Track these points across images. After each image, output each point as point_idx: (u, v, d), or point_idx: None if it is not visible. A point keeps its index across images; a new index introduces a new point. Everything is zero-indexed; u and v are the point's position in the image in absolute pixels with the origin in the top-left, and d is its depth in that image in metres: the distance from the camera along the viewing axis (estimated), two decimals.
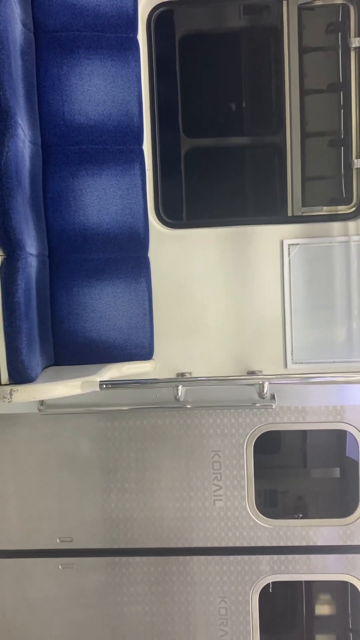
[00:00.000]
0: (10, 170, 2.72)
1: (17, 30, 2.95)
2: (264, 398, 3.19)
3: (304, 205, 3.50)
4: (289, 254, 3.38)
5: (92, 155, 3.24)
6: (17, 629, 3.62)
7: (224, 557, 3.50)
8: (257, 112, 3.84)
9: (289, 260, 3.38)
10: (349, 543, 3.46)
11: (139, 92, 3.28)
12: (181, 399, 3.18)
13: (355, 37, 3.36)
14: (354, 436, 3.45)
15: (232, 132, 3.86)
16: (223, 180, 3.78)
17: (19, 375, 2.82)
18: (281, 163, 3.60)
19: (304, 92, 3.51)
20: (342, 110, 3.51)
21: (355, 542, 3.45)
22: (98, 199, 3.25)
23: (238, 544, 3.49)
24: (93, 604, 3.58)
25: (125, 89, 3.25)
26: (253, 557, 3.49)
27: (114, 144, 3.26)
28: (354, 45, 3.36)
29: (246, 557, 3.50)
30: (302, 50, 3.50)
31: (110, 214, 3.26)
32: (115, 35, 3.21)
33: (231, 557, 3.50)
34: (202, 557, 3.51)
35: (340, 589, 3.73)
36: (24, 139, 2.94)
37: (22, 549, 3.56)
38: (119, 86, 3.24)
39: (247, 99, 3.82)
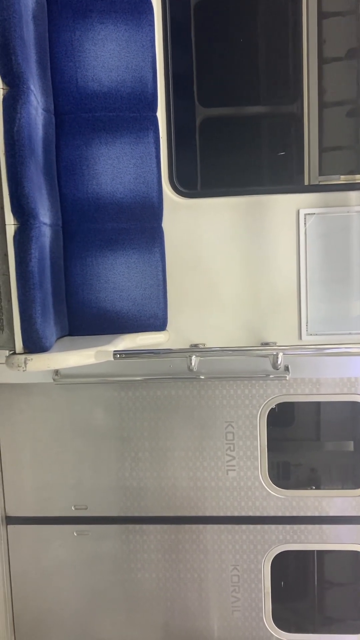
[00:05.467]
0: (23, 137, 2.68)
1: None
2: (277, 369, 3.17)
3: (320, 174, 3.42)
4: (305, 223, 3.33)
5: (106, 123, 3.19)
6: (33, 594, 3.71)
7: (237, 526, 3.54)
8: (274, 79, 3.75)
9: (305, 230, 3.33)
10: None
11: (153, 57, 3.21)
12: (195, 370, 3.17)
13: None
14: None
15: (248, 100, 3.78)
16: (238, 148, 3.71)
17: (34, 344, 2.83)
18: (298, 131, 3.52)
19: (322, 59, 3.42)
20: None
21: None
22: (112, 167, 3.21)
23: (251, 514, 3.52)
24: (107, 570, 3.65)
25: (139, 54, 3.18)
26: (265, 526, 3.52)
27: (128, 111, 3.20)
28: None
29: (258, 527, 3.53)
30: (322, 15, 3.40)
31: (124, 183, 3.23)
32: None
33: (244, 526, 3.54)
34: (215, 526, 3.55)
35: (351, 559, 3.75)
36: (36, 106, 2.90)
37: (38, 515, 3.63)
38: (133, 51, 3.17)
39: (264, 66, 3.73)
